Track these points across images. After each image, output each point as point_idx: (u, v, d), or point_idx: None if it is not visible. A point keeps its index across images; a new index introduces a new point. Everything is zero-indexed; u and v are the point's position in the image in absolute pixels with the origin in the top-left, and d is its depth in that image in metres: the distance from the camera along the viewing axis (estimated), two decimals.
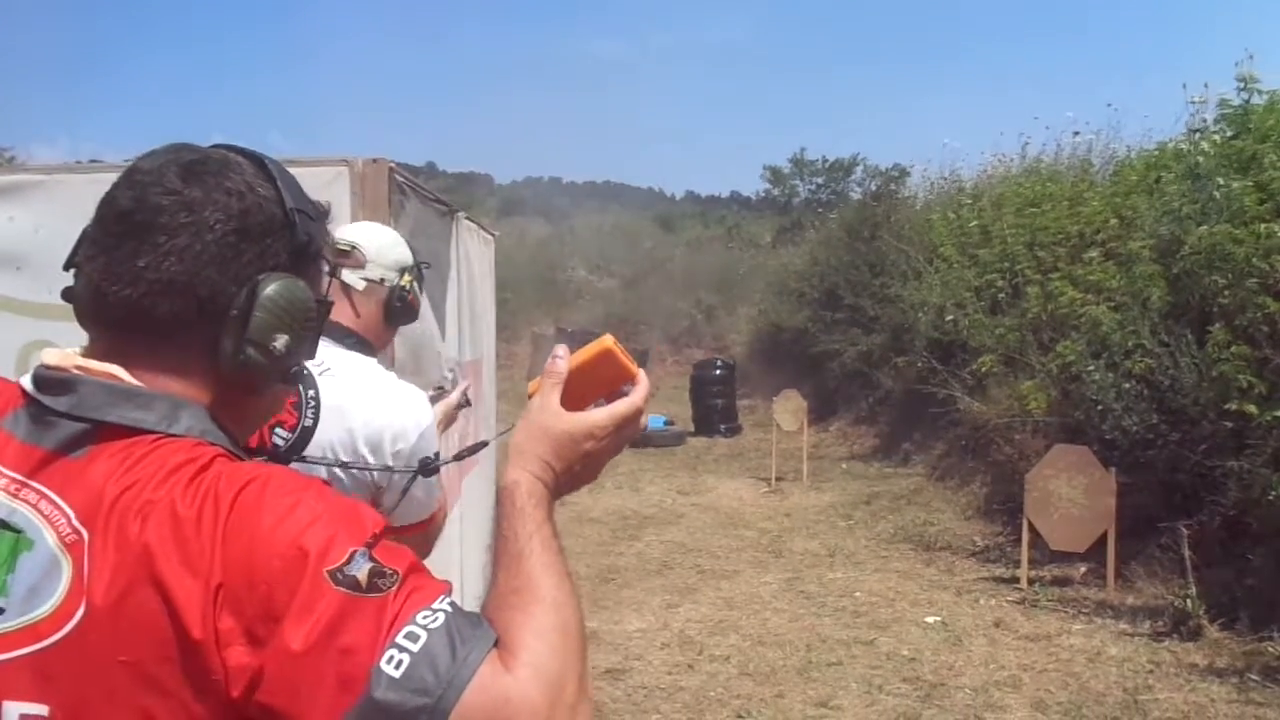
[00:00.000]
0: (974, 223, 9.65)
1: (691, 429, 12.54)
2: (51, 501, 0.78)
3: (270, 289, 0.85)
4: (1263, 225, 5.42)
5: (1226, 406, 5.27)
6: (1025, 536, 5.79)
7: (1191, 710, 4.16)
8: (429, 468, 1.71)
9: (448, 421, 2.20)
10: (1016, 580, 5.89)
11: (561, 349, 0.97)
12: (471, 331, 3.90)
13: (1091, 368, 6.21)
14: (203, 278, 0.83)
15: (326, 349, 1.84)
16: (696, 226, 32.77)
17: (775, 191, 32.03)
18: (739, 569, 6.50)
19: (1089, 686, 4.45)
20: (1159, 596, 5.33)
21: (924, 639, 5.12)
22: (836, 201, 24.80)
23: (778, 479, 9.30)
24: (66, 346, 0.86)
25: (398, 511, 1.91)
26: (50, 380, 0.83)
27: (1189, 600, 4.90)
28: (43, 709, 0.75)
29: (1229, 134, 6.57)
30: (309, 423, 1.78)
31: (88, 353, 0.85)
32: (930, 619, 5.42)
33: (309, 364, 1.77)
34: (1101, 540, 5.50)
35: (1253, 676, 4.39)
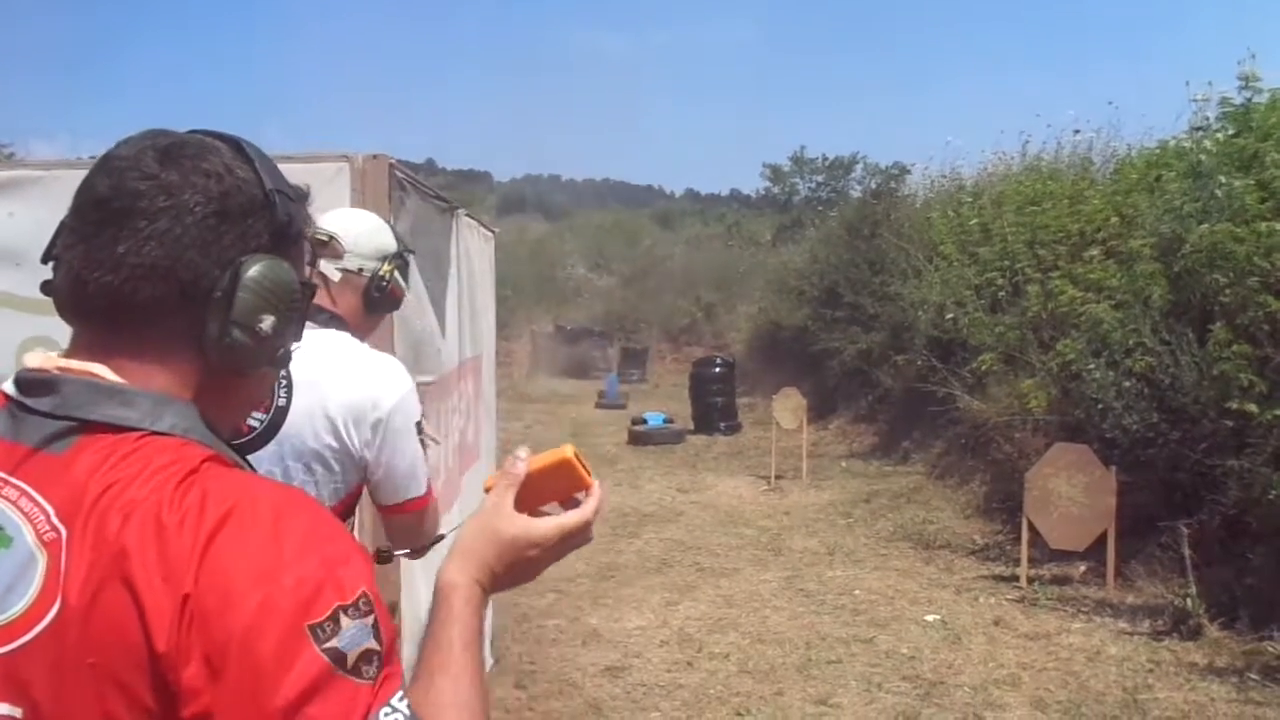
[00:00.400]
0: (974, 221, 9.64)
1: (691, 427, 12.54)
2: (31, 499, 0.77)
3: (253, 270, 0.84)
4: (1264, 224, 5.42)
5: (1227, 405, 5.27)
6: (1025, 535, 5.79)
7: (1191, 709, 4.16)
8: (384, 557, 1.78)
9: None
10: (1016, 579, 5.89)
11: (522, 450, 1.00)
12: (472, 328, 3.89)
13: (1092, 366, 6.21)
14: (184, 261, 0.81)
15: None
16: (696, 224, 32.80)
17: (775, 189, 32.05)
18: (738, 567, 6.50)
19: (1088, 685, 4.44)
20: (1159, 595, 5.33)
21: (923, 637, 5.12)
22: (837, 199, 24.79)
23: (777, 477, 9.30)
24: (65, 343, 0.85)
25: (384, 489, 1.91)
26: (32, 382, 0.82)
27: (1189, 599, 4.90)
28: (16, 711, 0.73)
29: (1230, 132, 6.57)
30: (282, 401, 1.77)
31: (70, 352, 0.84)
32: (929, 617, 5.42)
33: None
34: (1101, 539, 5.49)
35: (1252, 676, 4.39)
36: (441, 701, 0.83)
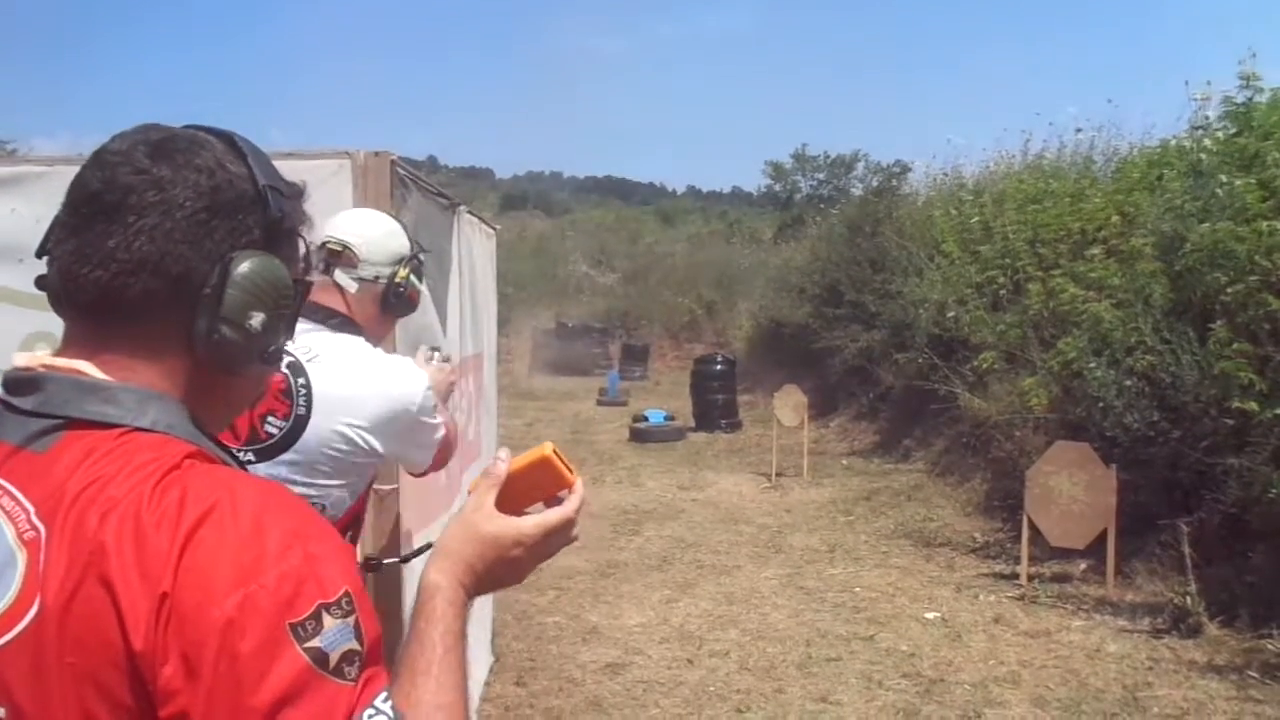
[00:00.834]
0: (975, 219, 9.63)
1: (692, 424, 12.54)
2: (13, 497, 0.76)
3: (244, 266, 0.83)
4: (1265, 223, 5.41)
5: (1228, 404, 5.27)
6: (1025, 533, 5.79)
7: (1190, 707, 4.16)
8: (372, 566, 1.84)
9: (445, 387, 2.16)
10: (1016, 576, 5.90)
11: (504, 452, 1.00)
12: (473, 325, 3.89)
13: (1093, 364, 6.21)
14: (174, 256, 0.81)
15: (313, 336, 1.85)
16: (697, 222, 32.84)
17: (777, 187, 32.09)
18: (739, 564, 6.50)
19: (1088, 683, 4.45)
20: (1159, 593, 5.33)
21: (923, 635, 5.12)
22: (838, 197, 24.75)
23: (778, 474, 9.30)
24: None
25: (420, 463, 2.00)
26: (18, 380, 0.81)
27: (1189, 597, 4.90)
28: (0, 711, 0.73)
29: (1231, 131, 6.57)
30: (302, 411, 1.79)
31: (61, 348, 0.84)
32: (930, 615, 5.42)
33: (297, 352, 1.79)
34: (1101, 537, 5.49)
35: (1252, 674, 4.40)
36: (424, 702, 0.83)
